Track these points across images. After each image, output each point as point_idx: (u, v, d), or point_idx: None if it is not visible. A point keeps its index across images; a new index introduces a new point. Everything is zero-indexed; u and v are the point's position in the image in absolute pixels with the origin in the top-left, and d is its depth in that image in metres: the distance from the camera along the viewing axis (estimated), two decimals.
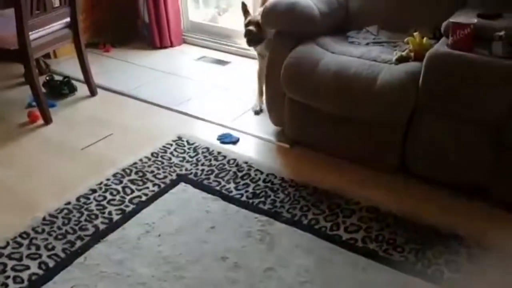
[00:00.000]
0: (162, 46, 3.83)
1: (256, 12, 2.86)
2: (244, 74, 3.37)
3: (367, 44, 2.42)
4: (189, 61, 3.65)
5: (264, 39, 2.72)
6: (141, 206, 2.08)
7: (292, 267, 1.75)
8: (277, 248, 1.85)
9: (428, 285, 1.66)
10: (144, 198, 2.13)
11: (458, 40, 1.91)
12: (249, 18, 2.77)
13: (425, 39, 2.14)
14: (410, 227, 1.92)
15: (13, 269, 1.73)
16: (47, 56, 3.51)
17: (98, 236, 1.90)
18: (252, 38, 2.72)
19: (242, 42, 3.02)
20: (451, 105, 1.95)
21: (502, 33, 1.83)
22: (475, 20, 1.93)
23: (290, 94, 2.36)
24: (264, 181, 2.24)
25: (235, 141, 2.58)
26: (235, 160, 2.40)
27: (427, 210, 2.01)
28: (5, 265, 1.75)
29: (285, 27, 2.42)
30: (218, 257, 1.81)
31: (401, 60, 2.14)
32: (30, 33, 2.53)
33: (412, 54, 2.13)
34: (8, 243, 1.84)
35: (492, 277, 1.68)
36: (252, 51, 3.06)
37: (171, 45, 3.85)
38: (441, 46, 1.99)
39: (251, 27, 2.70)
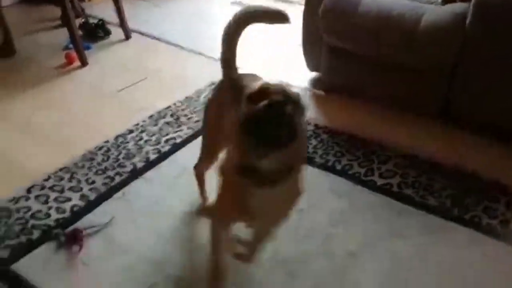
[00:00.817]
0: None
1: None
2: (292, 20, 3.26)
3: None
4: (223, 6, 3.57)
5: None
6: (176, 147, 2.11)
7: (325, 209, 1.75)
8: (310, 191, 1.82)
9: (464, 230, 1.64)
10: (178, 140, 2.16)
11: None
12: (261, 85, 1.07)
13: None
14: (449, 174, 1.88)
15: (55, 200, 1.81)
16: None
17: (136, 173, 1.95)
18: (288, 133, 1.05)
19: None
20: (498, 47, 1.84)
21: None
22: None
23: (328, 39, 2.28)
24: None
25: None
26: None
27: (469, 157, 1.96)
28: (47, 196, 1.83)
29: None
30: None
31: (447, 1, 2.01)
32: None
33: None
34: (49, 177, 1.92)
35: None
36: None
37: None
38: None
39: (286, 109, 1.03)
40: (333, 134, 2.16)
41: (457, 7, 1.96)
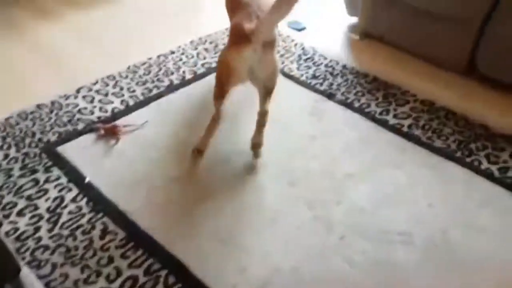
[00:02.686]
0: None
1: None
2: None
3: None
4: None
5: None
6: (210, 70, 2.29)
7: (336, 138, 1.90)
8: (325, 121, 2.00)
9: (462, 170, 1.74)
10: (214, 65, 2.33)
11: None
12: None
13: None
14: (460, 122, 1.95)
15: (100, 101, 2.07)
16: None
17: (172, 88, 2.17)
18: None
19: None
20: None
21: None
22: None
23: None
24: (326, 65, 2.33)
25: (300, 29, 2.64)
26: (302, 44, 2.49)
27: (484, 110, 2.01)
28: (93, 97, 2.09)
29: None
30: (271, 120, 1.99)
31: None
32: None
33: None
34: (97, 81, 2.18)
35: None
36: None
37: None
38: None
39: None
40: (359, 75, 2.25)
41: None
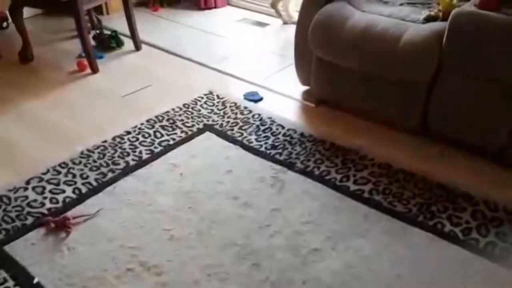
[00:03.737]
0: (207, 7, 3.96)
1: None
2: (281, 36, 3.43)
3: (401, 4, 2.40)
4: (230, 22, 3.76)
5: None
6: (168, 148, 2.26)
7: (297, 210, 1.86)
8: (286, 193, 1.97)
9: (426, 234, 1.71)
10: (172, 142, 2.31)
11: (485, 0, 1.87)
12: None
13: (455, 0, 2.10)
14: (419, 184, 1.96)
15: (50, 191, 1.98)
16: (100, 12, 3.76)
17: (128, 170, 2.11)
18: None
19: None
20: (474, 65, 1.92)
21: None
22: None
23: (317, 52, 2.41)
24: (284, 135, 2.34)
25: (257, 100, 2.68)
26: (259, 115, 2.51)
27: (441, 169, 2.03)
28: (44, 188, 2.00)
29: None
30: (231, 196, 1.95)
31: (429, 19, 2.12)
32: None
33: (440, 13, 2.10)
34: (48, 170, 2.10)
35: (494, 236, 1.70)
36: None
37: (215, 6, 3.97)
38: (468, 6, 1.96)
39: None
40: (317, 142, 2.27)
41: (436, 25, 2.06)
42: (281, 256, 1.66)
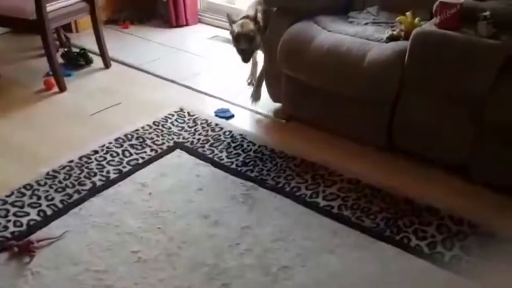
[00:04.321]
0: (178, 25, 3.96)
1: (240, 20, 2.61)
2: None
3: (366, 24, 2.47)
4: (201, 39, 3.77)
5: (257, 48, 2.65)
6: (137, 167, 2.23)
7: (268, 227, 1.86)
8: (257, 210, 1.97)
9: (393, 249, 1.74)
10: (141, 161, 2.28)
11: (445, 19, 1.95)
12: (237, 31, 2.55)
13: (417, 19, 2.18)
14: (386, 199, 1.99)
15: (14, 214, 1.92)
16: (69, 30, 3.72)
17: (95, 191, 2.06)
18: (247, 55, 2.60)
19: None
20: (434, 83, 1.99)
21: (487, 13, 1.86)
22: (462, 0, 1.96)
23: (286, 70, 2.44)
24: (255, 151, 2.35)
25: (228, 117, 2.69)
26: (230, 132, 2.51)
27: (406, 183, 2.08)
28: (7, 210, 1.93)
29: (288, 3, 2.49)
30: (201, 215, 1.94)
31: (392, 38, 2.19)
32: (47, 4, 2.72)
33: (403, 33, 2.17)
34: (13, 193, 2.03)
35: (459, 250, 1.74)
36: None
37: (187, 24, 3.98)
38: (429, 25, 2.03)
39: (244, 45, 2.55)
40: (287, 158, 2.28)
41: (398, 45, 2.13)
42: (251, 275, 1.65)
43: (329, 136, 2.45)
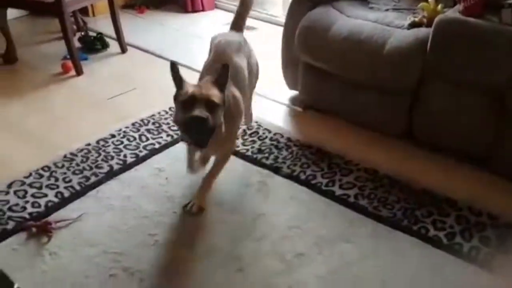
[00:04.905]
0: (194, 10, 3.94)
1: (198, 81, 1.88)
2: (268, 39, 3.42)
3: (387, 10, 2.42)
4: (217, 25, 3.74)
5: (216, 126, 1.62)
6: (153, 152, 2.24)
7: (283, 215, 1.85)
8: (273, 197, 1.96)
9: (410, 239, 1.72)
10: (157, 146, 2.28)
11: (469, 6, 1.90)
12: (191, 91, 1.62)
13: (440, 5, 2.12)
14: (404, 189, 1.97)
15: (32, 195, 1.94)
16: (86, 14, 3.72)
17: (112, 174, 2.08)
18: (206, 131, 1.59)
19: (270, 9, 2.94)
20: (457, 71, 1.95)
21: (511, 1, 1.80)
22: None
23: (303, 57, 2.41)
24: (270, 139, 2.33)
25: None
26: None
27: (426, 175, 2.04)
28: (26, 192, 1.96)
29: None
30: (217, 201, 1.94)
31: (413, 25, 2.14)
32: None
33: (425, 20, 2.12)
34: (31, 174, 2.05)
35: (478, 241, 1.71)
36: (281, 17, 2.94)
37: (203, 9, 3.96)
38: (452, 12, 1.98)
39: (201, 112, 1.56)
40: (303, 147, 2.26)
41: (421, 32, 2.08)
42: (266, 262, 1.65)
43: (346, 125, 2.42)
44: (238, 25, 2.20)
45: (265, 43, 3.40)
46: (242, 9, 2.20)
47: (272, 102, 2.71)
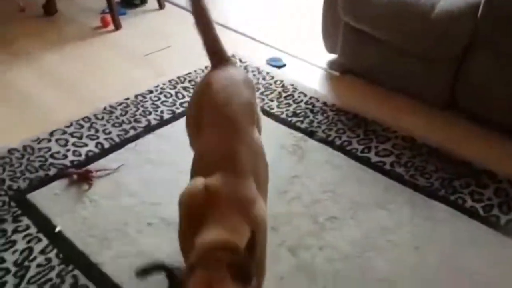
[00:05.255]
0: None
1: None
2: (309, 0, 3.33)
3: None
4: None
5: None
6: None
7: (317, 178, 1.85)
8: (307, 161, 1.96)
9: (447, 208, 1.70)
10: None
11: None
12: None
13: None
14: (443, 159, 1.93)
15: (73, 144, 2.00)
16: None
17: (149, 129, 2.11)
18: None
19: None
20: (506, 42, 1.85)
21: None
22: None
23: (346, 18, 2.33)
24: (306, 103, 2.31)
25: (280, 66, 2.64)
26: (282, 81, 2.47)
27: (466, 146, 2.00)
28: (67, 140, 2.02)
29: None
30: None
31: None
32: None
33: None
34: (71, 124, 2.11)
35: None
36: None
37: None
38: None
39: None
40: (339, 112, 2.23)
41: None
42: (299, 222, 1.67)
43: (385, 92, 2.37)
44: (217, 53, 1.52)
45: (305, 4, 3.31)
46: (203, 26, 1.54)
47: (308, 65, 2.67)
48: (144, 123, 2.15)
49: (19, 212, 1.67)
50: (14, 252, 1.53)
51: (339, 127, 2.14)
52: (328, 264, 1.51)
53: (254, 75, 2.52)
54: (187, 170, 1.89)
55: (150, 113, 2.21)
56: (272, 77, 2.51)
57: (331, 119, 2.19)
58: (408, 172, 1.86)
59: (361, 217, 1.68)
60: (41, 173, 1.84)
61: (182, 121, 2.16)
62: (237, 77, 1.39)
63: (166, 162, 1.92)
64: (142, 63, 2.66)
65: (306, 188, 1.81)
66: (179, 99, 2.33)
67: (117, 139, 2.04)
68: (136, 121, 2.16)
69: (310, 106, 2.28)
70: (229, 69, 1.43)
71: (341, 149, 2.00)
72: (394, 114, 2.21)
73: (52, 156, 1.93)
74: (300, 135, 2.10)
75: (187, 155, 1.98)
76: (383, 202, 1.74)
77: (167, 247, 1.54)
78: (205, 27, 1.51)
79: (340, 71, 2.56)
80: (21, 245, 1.55)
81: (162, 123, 2.16)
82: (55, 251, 1.53)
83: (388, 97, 2.34)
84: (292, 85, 2.44)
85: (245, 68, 2.58)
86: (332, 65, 2.61)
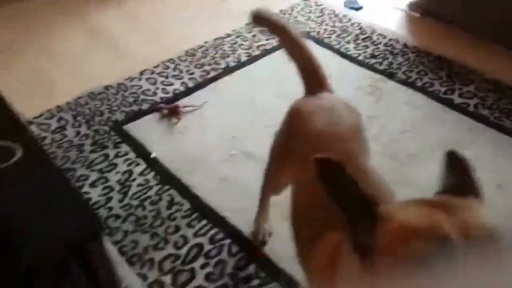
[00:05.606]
0: None
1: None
2: None
3: None
4: None
5: None
6: (265, 53, 2.30)
7: (396, 119, 1.86)
8: (385, 101, 1.96)
9: None
10: (269, 47, 2.34)
11: None
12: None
13: None
14: None
15: (161, 83, 2.14)
16: None
17: (228, 70, 2.20)
18: None
19: None
20: None
21: None
22: None
23: None
24: (385, 44, 2.27)
25: (357, 8, 2.59)
26: (359, 23, 2.44)
27: None
28: (155, 79, 2.16)
29: None
30: None
31: None
32: None
33: None
34: (158, 65, 2.25)
35: None
36: None
37: None
38: None
39: None
40: (421, 54, 2.18)
41: None
42: (379, 160, 1.69)
43: (468, 36, 2.26)
44: (316, 82, 1.29)
45: None
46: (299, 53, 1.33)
47: (387, 6, 2.59)
48: (223, 64, 2.24)
49: (119, 140, 1.85)
50: (116, 173, 1.71)
51: (421, 68, 2.10)
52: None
53: (330, 18, 2.50)
54: (268, 110, 1.97)
55: (228, 56, 2.29)
56: (349, 20, 2.47)
57: (412, 61, 2.15)
58: (492, 114, 1.82)
59: (441, 154, 1.67)
60: (134, 107, 2.01)
61: (258, 64, 2.25)
62: (338, 103, 1.20)
63: (246, 101, 2.01)
64: (220, 6, 2.72)
65: (384, 128, 1.83)
66: (255, 42, 2.38)
67: (199, 79, 2.15)
68: (215, 63, 2.25)
69: (389, 48, 2.25)
70: (328, 96, 1.24)
71: (422, 90, 1.98)
72: (477, 57, 2.13)
73: (143, 93, 2.08)
74: (378, 76, 2.09)
75: (267, 96, 2.06)
76: (467, 142, 1.72)
77: (247, 175, 1.65)
78: (299, 56, 1.33)
79: (421, 12, 2.46)
80: (122, 167, 1.73)
81: (240, 65, 2.23)
82: (152, 173, 1.70)
83: (470, 40, 2.24)
84: (370, 27, 2.40)
85: (321, 11, 2.56)
86: (412, 6, 2.52)
